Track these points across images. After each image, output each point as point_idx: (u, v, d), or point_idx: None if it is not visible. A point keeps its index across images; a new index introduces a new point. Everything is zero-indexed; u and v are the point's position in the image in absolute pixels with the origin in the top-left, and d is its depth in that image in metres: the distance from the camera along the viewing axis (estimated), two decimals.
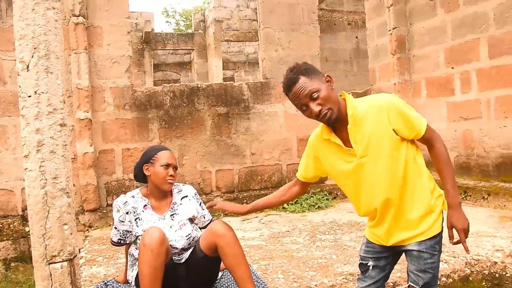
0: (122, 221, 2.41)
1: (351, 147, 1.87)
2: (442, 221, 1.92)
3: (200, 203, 2.61)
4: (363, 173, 1.88)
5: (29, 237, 4.48)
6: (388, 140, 1.82)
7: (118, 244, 2.49)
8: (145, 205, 2.46)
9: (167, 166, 2.43)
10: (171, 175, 2.43)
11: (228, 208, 2.29)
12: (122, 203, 2.42)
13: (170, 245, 2.37)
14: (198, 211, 2.56)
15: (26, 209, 4.52)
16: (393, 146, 1.82)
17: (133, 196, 2.47)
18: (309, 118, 1.89)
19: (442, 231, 1.90)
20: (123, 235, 2.44)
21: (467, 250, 1.86)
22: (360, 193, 1.94)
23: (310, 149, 2.10)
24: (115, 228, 2.44)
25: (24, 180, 4.65)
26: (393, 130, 1.81)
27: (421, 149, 1.93)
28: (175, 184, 2.56)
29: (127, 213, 2.41)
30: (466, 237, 1.85)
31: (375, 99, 1.86)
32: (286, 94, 1.90)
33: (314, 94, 1.80)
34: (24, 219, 4.67)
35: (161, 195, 2.50)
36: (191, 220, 2.52)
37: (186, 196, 2.56)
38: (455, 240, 1.86)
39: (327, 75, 1.87)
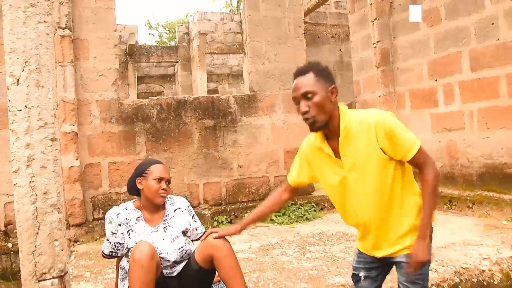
0: (114, 233, 2.38)
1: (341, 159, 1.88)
2: (430, 233, 1.91)
3: (193, 216, 2.60)
4: (349, 189, 1.90)
5: (12, 254, 4.40)
6: (376, 158, 1.82)
7: (109, 256, 2.45)
8: (138, 217, 2.44)
9: (160, 180, 2.42)
10: (163, 189, 2.42)
11: (224, 232, 2.28)
12: (115, 215, 2.40)
13: (163, 258, 2.34)
14: (190, 224, 2.55)
15: (9, 225, 4.46)
16: (381, 165, 1.82)
17: (126, 208, 2.45)
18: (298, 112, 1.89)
19: (430, 242, 1.90)
20: (115, 247, 2.41)
21: (409, 279, 1.85)
22: (346, 206, 1.96)
23: (302, 155, 2.11)
24: (107, 240, 2.42)
25: (6, 195, 4.56)
26: (381, 149, 1.81)
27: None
28: (168, 196, 2.55)
29: (119, 224, 2.39)
30: (415, 269, 1.82)
31: (366, 116, 1.85)
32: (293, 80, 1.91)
33: (308, 94, 1.81)
34: (6, 234, 4.56)
35: (154, 208, 2.48)
36: (184, 232, 2.50)
37: (179, 208, 2.55)
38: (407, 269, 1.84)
39: (333, 86, 1.85)
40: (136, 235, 2.39)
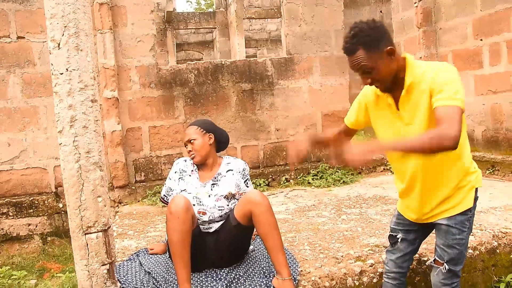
0: (170, 179, 2.62)
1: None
2: (476, 199, 1.90)
3: (246, 180, 2.62)
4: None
5: (63, 213, 4.68)
6: (426, 110, 1.77)
7: (164, 201, 2.67)
8: (193, 171, 2.60)
9: (186, 144, 2.59)
10: (189, 151, 2.57)
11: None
12: (176, 163, 2.64)
13: (203, 211, 2.46)
14: (240, 187, 2.57)
15: (59, 186, 4.71)
16: (431, 117, 1.74)
17: (185, 160, 2.64)
18: None
19: (473, 208, 1.89)
20: (167, 192, 2.63)
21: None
22: (396, 158, 1.97)
23: (362, 98, 2.09)
24: (165, 184, 2.66)
25: (56, 158, 4.81)
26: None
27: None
28: (227, 156, 2.69)
29: (175, 172, 2.60)
30: (339, 162, 1.67)
31: (430, 69, 1.77)
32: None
33: (366, 69, 1.76)
34: (57, 195, 4.84)
35: (205, 166, 2.62)
36: (232, 195, 2.54)
37: (231, 170, 2.59)
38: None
39: (390, 48, 1.75)
40: (183, 184, 2.55)
